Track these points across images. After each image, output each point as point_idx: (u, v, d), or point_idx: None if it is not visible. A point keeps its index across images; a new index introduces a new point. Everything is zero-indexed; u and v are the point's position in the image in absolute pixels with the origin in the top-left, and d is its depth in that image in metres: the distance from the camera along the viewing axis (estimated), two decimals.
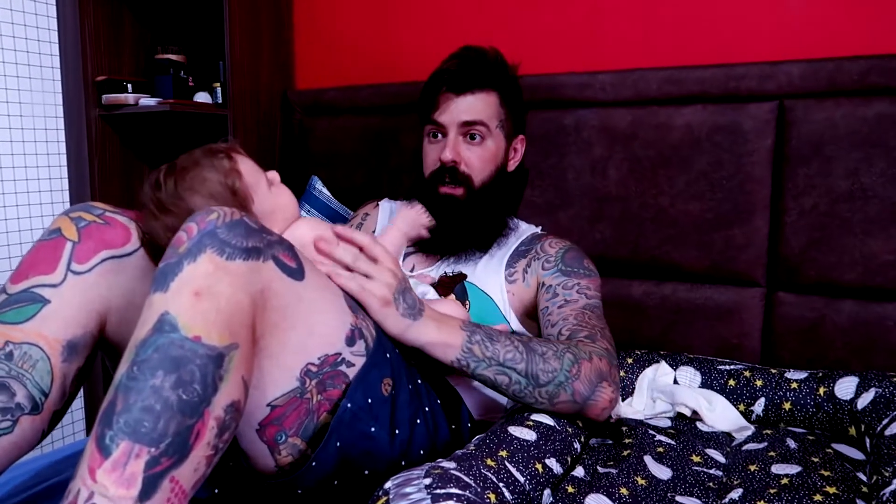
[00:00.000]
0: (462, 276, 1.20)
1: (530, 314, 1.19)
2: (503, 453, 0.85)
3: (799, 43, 1.36)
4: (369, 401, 0.84)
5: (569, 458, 0.93)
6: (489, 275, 1.19)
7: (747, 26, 1.40)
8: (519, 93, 1.26)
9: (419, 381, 0.95)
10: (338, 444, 0.81)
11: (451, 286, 1.18)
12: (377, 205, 1.39)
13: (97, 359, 0.93)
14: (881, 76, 1.22)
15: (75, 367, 0.85)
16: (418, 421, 0.91)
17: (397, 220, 1.13)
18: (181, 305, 0.66)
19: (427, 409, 0.94)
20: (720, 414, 1.11)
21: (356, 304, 0.88)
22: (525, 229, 1.28)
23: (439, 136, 1.22)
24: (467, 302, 1.17)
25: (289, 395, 0.78)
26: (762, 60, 1.32)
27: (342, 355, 0.82)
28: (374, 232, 1.34)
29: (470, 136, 1.19)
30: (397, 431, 0.87)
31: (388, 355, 0.89)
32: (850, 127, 1.23)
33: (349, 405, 0.82)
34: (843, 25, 1.33)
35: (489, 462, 0.82)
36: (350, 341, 0.83)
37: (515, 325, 1.16)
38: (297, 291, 0.76)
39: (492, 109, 1.20)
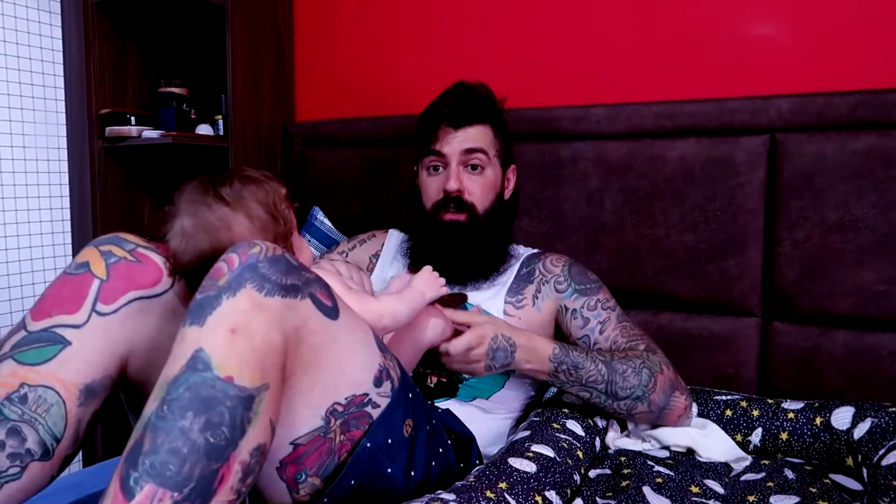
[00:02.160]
0: (463, 296, 1.21)
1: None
2: (503, 485, 0.86)
3: (789, 78, 1.39)
4: (389, 441, 0.83)
5: (568, 491, 0.94)
6: (489, 297, 1.21)
7: (739, 62, 1.44)
8: (506, 125, 1.30)
9: (434, 422, 0.95)
10: (352, 482, 0.80)
11: (450, 304, 1.20)
12: (387, 231, 1.41)
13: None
14: (869, 111, 1.25)
15: (91, 411, 0.83)
16: (433, 463, 0.91)
17: (416, 281, 1.11)
18: (216, 342, 0.65)
19: (441, 450, 0.94)
20: (715, 441, 1.11)
21: (384, 344, 0.88)
22: (523, 252, 1.30)
23: (440, 167, 1.24)
24: None
25: (312, 434, 0.77)
26: (754, 95, 1.35)
27: (369, 396, 0.81)
28: (376, 254, 1.35)
29: (471, 166, 1.22)
30: (413, 473, 0.86)
31: (410, 395, 0.88)
32: (840, 160, 1.25)
33: (368, 444, 0.81)
34: (831, 61, 1.37)
35: (489, 494, 0.82)
36: (378, 382, 0.82)
37: None
38: (332, 331, 0.76)
39: (489, 140, 1.23)
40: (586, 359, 1.07)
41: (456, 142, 1.21)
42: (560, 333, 1.23)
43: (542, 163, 1.48)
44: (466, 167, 1.22)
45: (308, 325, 0.72)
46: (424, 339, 1.05)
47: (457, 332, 1.05)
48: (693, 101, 1.39)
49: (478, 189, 1.23)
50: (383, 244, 1.37)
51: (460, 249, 1.21)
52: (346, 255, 1.38)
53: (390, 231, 1.41)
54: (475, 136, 1.22)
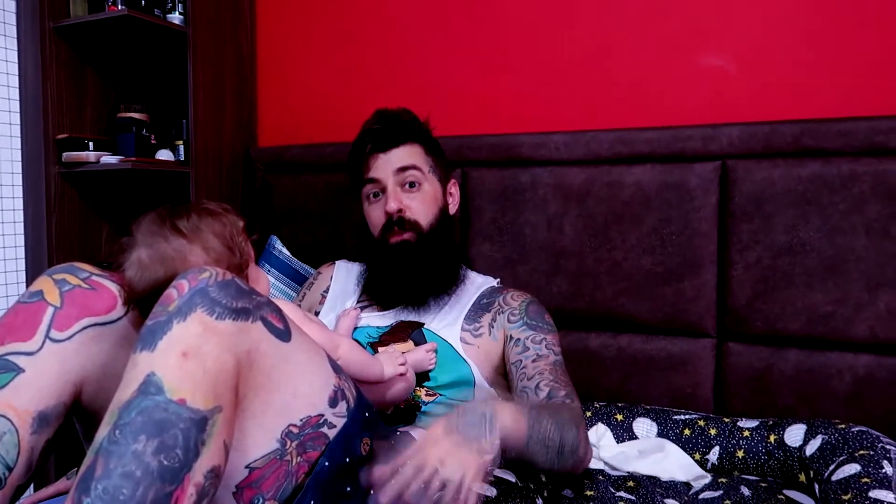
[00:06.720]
0: (419, 324, 1.22)
1: (499, 369, 1.20)
2: None
3: (739, 107, 1.45)
4: (347, 459, 0.83)
5: None
6: (446, 325, 1.21)
7: (691, 91, 1.49)
8: (437, 143, 1.31)
9: (393, 442, 0.95)
10: (311, 502, 0.81)
11: (406, 331, 1.20)
12: (333, 264, 1.42)
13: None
14: (813, 139, 1.30)
15: (44, 439, 0.82)
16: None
17: (379, 355, 1.12)
18: (167, 366, 0.65)
19: None
20: (674, 462, 1.13)
21: (339, 365, 0.88)
22: (482, 282, 1.31)
23: (379, 193, 1.25)
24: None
25: (268, 457, 0.77)
26: (705, 123, 1.40)
27: (324, 416, 0.82)
28: (327, 289, 1.36)
29: (409, 184, 1.22)
30: (372, 492, 0.87)
31: (367, 414, 0.89)
32: (787, 186, 1.30)
33: (327, 463, 0.81)
34: (777, 91, 1.43)
35: None
36: (333, 402, 0.83)
37: (478, 374, 1.18)
38: (284, 353, 0.76)
39: (420, 157, 1.25)
40: (549, 422, 0.91)
41: (387, 163, 1.22)
42: (503, 367, 1.21)
43: (503, 188, 1.51)
44: (403, 186, 1.23)
45: (260, 348, 0.73)
46: (386, 394, 1.07)
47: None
48: (648, 129, 1.43)
49: (418, 205, 1.23)
50: (332, 276, 1.38)
51: (412, 268, 1.21)
52: (300, 304, 1.39)
53: (337, 263, 1.41)
54: (405, 154, 1.23)
